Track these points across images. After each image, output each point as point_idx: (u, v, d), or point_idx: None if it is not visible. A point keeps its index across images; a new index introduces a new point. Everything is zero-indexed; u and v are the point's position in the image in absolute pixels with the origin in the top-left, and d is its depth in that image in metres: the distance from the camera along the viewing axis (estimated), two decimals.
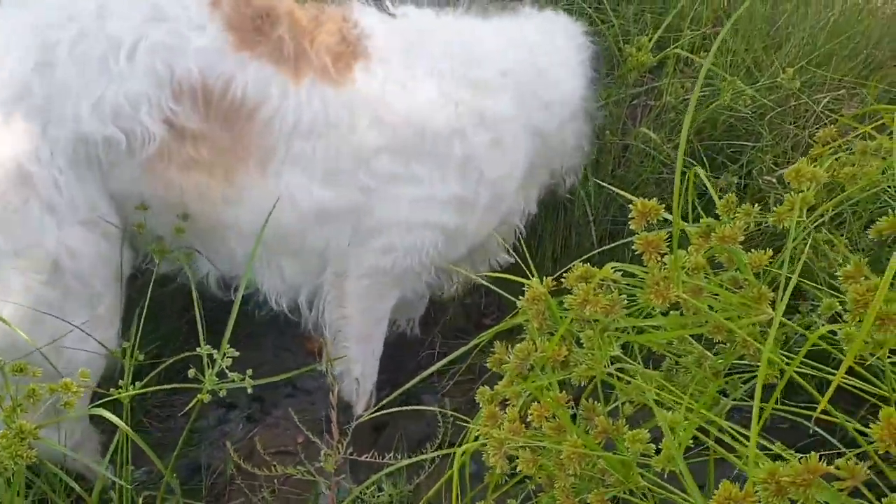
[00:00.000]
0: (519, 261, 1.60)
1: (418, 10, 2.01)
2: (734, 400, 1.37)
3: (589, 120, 2.15)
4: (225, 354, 1.39)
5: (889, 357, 1.21)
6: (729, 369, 1.35)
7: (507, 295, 1.45)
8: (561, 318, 1.24)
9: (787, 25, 2.76)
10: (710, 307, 1.21)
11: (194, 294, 1.70)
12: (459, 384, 2.41)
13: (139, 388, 1.53)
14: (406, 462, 1.49)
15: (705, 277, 1.23)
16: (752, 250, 1.26)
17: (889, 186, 1.67)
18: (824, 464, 0.80)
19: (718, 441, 1.22)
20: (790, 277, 1.94)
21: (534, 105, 1.99)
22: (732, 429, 1.18)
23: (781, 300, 1.05)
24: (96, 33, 1.68)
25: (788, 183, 1.19)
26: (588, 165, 2.47)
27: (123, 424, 1.39)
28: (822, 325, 1.19)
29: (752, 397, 1.38)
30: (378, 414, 1.70)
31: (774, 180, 2.29)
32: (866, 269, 1.06)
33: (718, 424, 1.21)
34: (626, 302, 1.20)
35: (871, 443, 0.85)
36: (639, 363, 1.34)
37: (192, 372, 1.42)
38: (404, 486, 1.79)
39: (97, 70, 1.67)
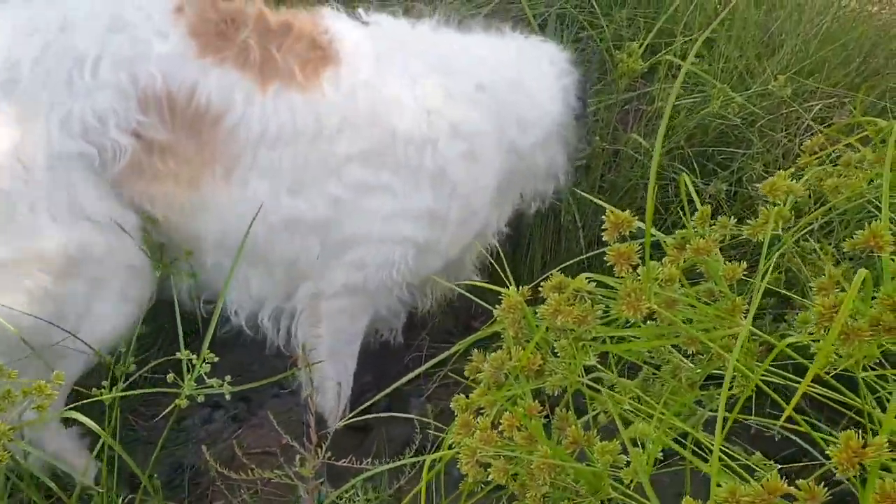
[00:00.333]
0: (498, 268, 1.59)
1: (392, 19, 1.98)
2: (711, 411, 1.38)
3: (565, 149, 2.13)
4: (204, 360, 1.39)
5: (874, 369, 1.21)
6: (707, 380, 1.36)
7: (485, 305, 1.45)
8: (537, 327, 1.24)
9: (780, 32, 2.75)
10: (689, 319, 1.21)
11: (175, 299, 1.69)
12: (446, 387, 2.41)
13: (120, 391, 1.54)
14: (383, 468, 1.49)
15: (681, 288, 1.23)
16: (741, 260, 1.26)
17: (875, 197, 1.67)
18: (785, 484, 0.80)
19: (697, 450, 1.22)
20: (778, 286, 1.94)
21: (509, 122, 1.96)
22: (708, 440, 1.18)
23: (751, 311, 1.05)
24: (60, 47, 1.65)
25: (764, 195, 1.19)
26: (578, 170, 2.48)
27: (98, 428, 1.38)
28: (800, 335, 1.19)
29: (728, 408, 1.38)
30: (357, 419, 1.69)
31: None
32: (842, 280, 1.06)
33: (695, 434, 1.21)
34: (602, 312, 1.20)
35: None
36: (617, 373, 1.34)
37: (170, 377, 1.42)
38: (384, 491, 1.79)
39: (63, 86, 1.64)
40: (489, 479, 1.18)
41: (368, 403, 1.75)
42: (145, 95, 1.68)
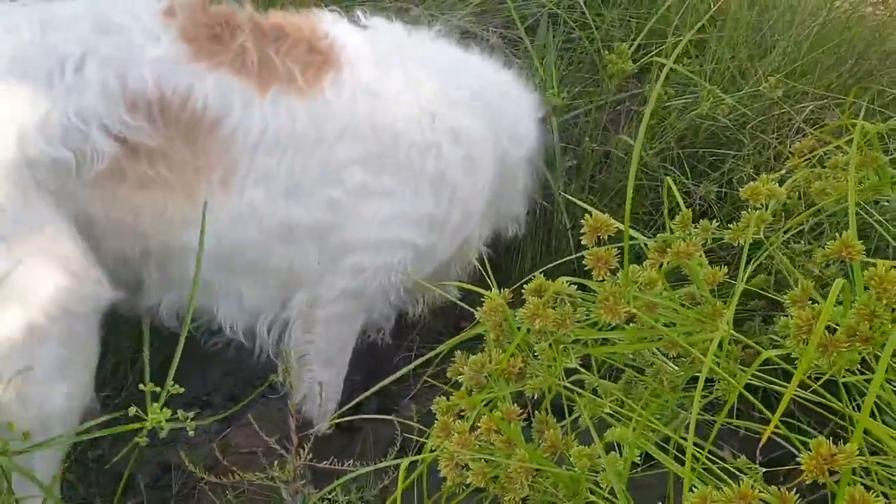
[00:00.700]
0: (483, 270, 1.59)
1: (390, 24, 1.98)
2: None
3: (533, 176, 2.17)
4: (168, 391, 1.33)
5: (863, 372, 1.21)
6: (693, 383, 1.35)
7: (469, 308, 1.45)
8: (518, 329, 1.24)
9: (772, 33, 2.74)
10: (673, 322, 1.21)
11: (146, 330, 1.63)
12: (434, 387, 2.41)
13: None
14: (366, 470, 1.48)
15: (664, 291, 1.22)
16: (732, 263, 1.27)
17: (863, 200, 1.67)
18: (757, 492, 0.79)
19: (681, 454, 1.21)
20: (768, 288, 1.93)
21: (501, 132, 1.98)
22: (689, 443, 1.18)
23: (728, 314, 1.04)
24: (38, 47, 1.59)
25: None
26: (569, 172, 2.48)
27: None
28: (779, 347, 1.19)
29: (709, 411, 1.38)
30: (343, 420, 1.69)
31: None
32: (814, 294, 1.06)
33: (675, 437, 1.21)
34: (585, 315, 1.20)
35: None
36: (599, 376, 1.34)
37: (132, 410, 1.30)
38: (368, 492, 1.78)
39: (42, 86, 1.57)
40: (468, 482, 1.17)
41: (354, 403, 1.75)
42: (134, 98, 1.63)
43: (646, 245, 1.22)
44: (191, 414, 2.34)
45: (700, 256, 1.22)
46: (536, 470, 1.13)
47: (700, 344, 1.17)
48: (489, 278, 1.45)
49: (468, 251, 2.10)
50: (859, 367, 1.17)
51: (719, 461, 1.17)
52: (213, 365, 2.48)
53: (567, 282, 1.16)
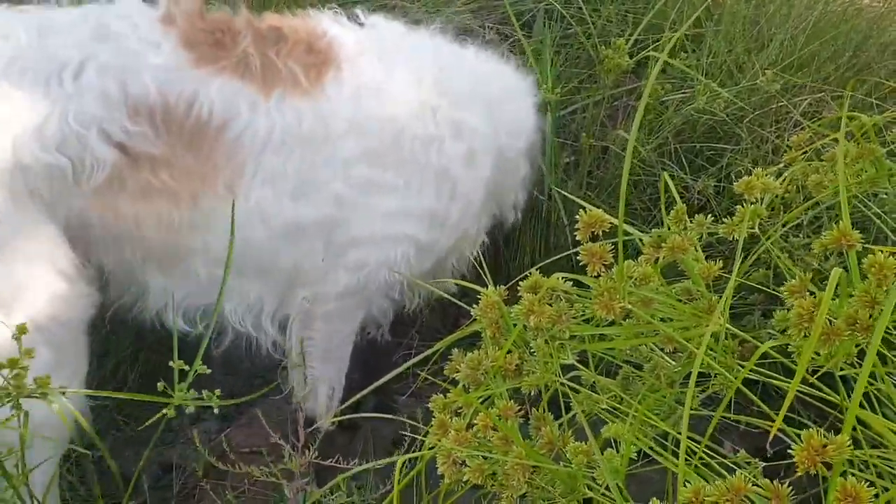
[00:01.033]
0: (480, 266, 1.59)
1: (388, 22, 1.99)
2: (692, 409, 1.37)
3: (534, 164, 2.18)
4: (195, 371, 1.37)
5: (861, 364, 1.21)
6: (689, 378, 1.35)
7: (464, 305, 1.45)
8: (514, 326, 1.24)
9: (769, 26, 2.74)
10: (669, 318, 1.21)
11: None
12: (434, 385, 2.41)
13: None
14: (365, 467, 1.48)
15: (660, 287, 1.22)
16: (730, 258, 1.27)
17: (860, 192, 1.67)
18: (749, 485, 0.79)
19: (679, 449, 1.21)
20: (766, 282, 1.93)
21: (501, 126, 1.99)
22: (691, 438, 1.18)
23: (722, 308, 1.04)
24: (36, 52, 1.59)
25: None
26: (566, 167, 2.47)
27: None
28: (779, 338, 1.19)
29: (708, 406, 1.38)
30: (342, 418, 1.69)
31: None
32: (811, 285, 1.06)
33: (673, 432, 1.21)
34: (581, 311, 1.20)
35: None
36: (598, 372, 1.34)
37: (160, 385, 1.36)
38: (370, 490, 1.79)
39: (40, 92, 1.57)
40: (466, 479, 1.17)
41: (353, 400, 1.76)
42: (136, 105, 1.63)
43: (641, 240, 1.22)
44: (192, 411, 2.35)
45: (696, 251, 1.22)
46: (534, 467, 1.13)
47: (696, 339, 1.17)
48: (485, 275, 1.45)
49: (466, 244, 2.10)
50: (857, 360, 1.17)
51: (718, 456, 1.17)
52: (213, 365, 2.47)
53: (563, 278, 1.16)
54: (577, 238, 1.19)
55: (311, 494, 1.59)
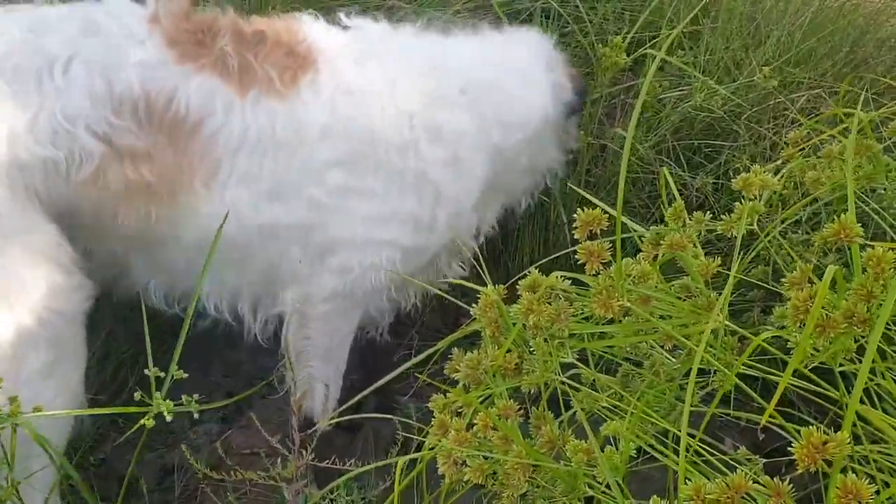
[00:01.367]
0: (479, 265, 1.59)
1: (374, 23, 1.98)
2: (692, 406, 1.37)
3: (558, 143, 2.14)
4: (172, 376, 1.36)
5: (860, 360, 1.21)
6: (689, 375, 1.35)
7: (462, 304, 1.45)
8: (514, 325, 1.24)
9: (766, 23, 2.74)
10: (669, 315, 1.21)
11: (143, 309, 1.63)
12: (434, 385, 2.41)
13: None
14: (365, 469, 1.48)
15: (659, 284, 1.22)
16: (730, 254, 1.26)
17: (858, 189, 1.67)
18: (749, 482, 0.79)
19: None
20: (766, 279, 1.93)
21: (491, 124, 1.96)
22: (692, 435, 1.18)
23: (721, 305, 1.04)
24: (28, 49, 1.63)
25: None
26: (565, 165, 2.47)
27: None
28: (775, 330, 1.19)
29: (709, 403, 1.37)
30: (343, 419, 1.69)
31: None
32: (812, 277, 1.06)
33: (673, 429, 1.21)
34: (581, 309, 1.20)
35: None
36: (597, 370, 1.34)
37: (137, 395, 1.34)
38: (372, 490, 1.79)
39: (32, 87, 1.61)
40: (466, 479, 1.18)
41: (353, 401, 1.75)
42: (121, 100, 1.67)
43: (640, 238, 1.22)
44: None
45: (695, 248, 1.22)
46: (534, 466, 1.13)
47: (696, 336, 1.17)
48: (485, 274, 1.46)
49: (460, 245, 2.08)
50: (857, 355, 1.17)
51: (719, 453, 1.17)
52: (212, 366, 2.48)
53: (562, 276, 1.16)
54: (575, 237, 1.20)
55: (312, 496, 1.58)
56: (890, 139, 1.74)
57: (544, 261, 1.89)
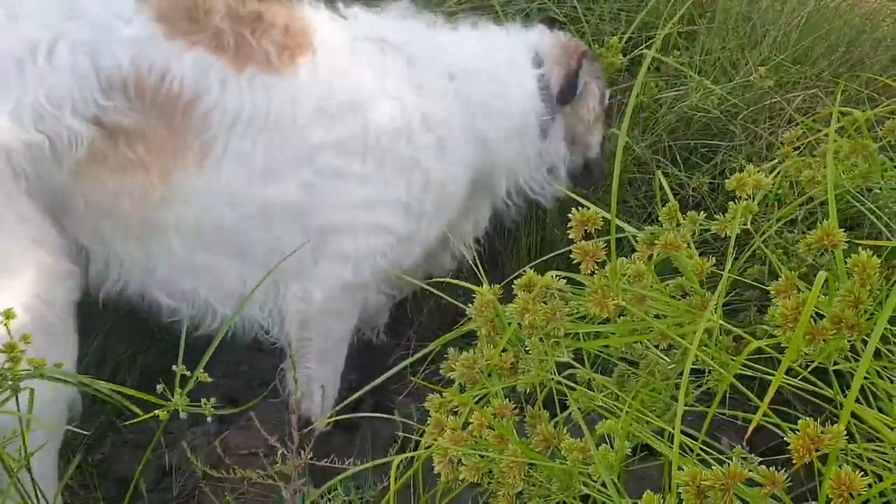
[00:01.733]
0: (475, 264, 1.59)
1: (368, 12, 1.99)
2: (687, 405, 1.38)
3: (566, 137, 2.14)
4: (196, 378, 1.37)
5: (856, 361, 1.22)
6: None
7: (456, 303, 1.45)
8: (509, 324, 1.24)
9: (762, 23, 2.74)
10: (664, 314, 1.21)
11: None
12: (432, 384, 2.41)
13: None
14: (362, 468, 1.49)
15: (653, 284, 1.23)
16: (725, 253, 1.26)
17: (853, 188, 1.67)
18: (746, 471, 0.80)
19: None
20: (762, 278, 1.93)
21: (476, 113, 1.97)
22: (685, 432, 1.18)
23: (715, 304, 1.05)
24: (7, 35, 1.60)
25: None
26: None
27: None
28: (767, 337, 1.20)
29: (705, 402, 1.38)
30: (340, 418, 1.69)
31: None
32: (799, 284, 1.06)
33: (668, 427, 1.21)
34: (576, 308, 1.20)
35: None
36: (593, 370, 1.34)
37: (160, 388, 1.37)
38: (369, 490, 1.79)
39: (13, 73, 1.58)
40: (462, 478, 1.18)
41: (350, 401, 1.76)
42: (109, 80, 1.64)
43: (635, 238, 1.22)
44: (191, 414, 2.35)
45: (689, 248, 1.22)
46: (530, 464, 1.13)
47: (690, 335, 1.17)
48: (480, 274, 1.46)
49: (454, 235, 2.09)
50: (851, 354, 1.17)
51: (714, 452, 1.17)
52: (211, 367, 2.48)
53: (558, 276, 1.17)
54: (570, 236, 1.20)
55: (309, 495, 1.59)
56: (886, 138, 1.74)
57: (538, 261, 1.90)
